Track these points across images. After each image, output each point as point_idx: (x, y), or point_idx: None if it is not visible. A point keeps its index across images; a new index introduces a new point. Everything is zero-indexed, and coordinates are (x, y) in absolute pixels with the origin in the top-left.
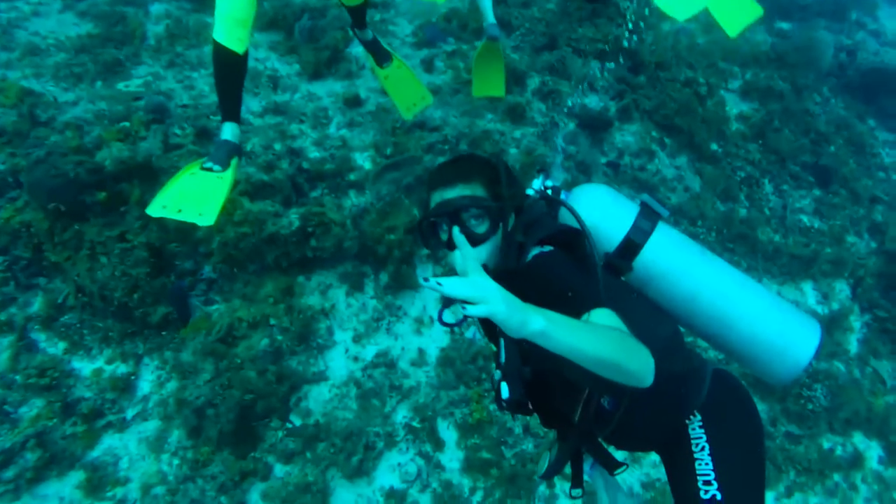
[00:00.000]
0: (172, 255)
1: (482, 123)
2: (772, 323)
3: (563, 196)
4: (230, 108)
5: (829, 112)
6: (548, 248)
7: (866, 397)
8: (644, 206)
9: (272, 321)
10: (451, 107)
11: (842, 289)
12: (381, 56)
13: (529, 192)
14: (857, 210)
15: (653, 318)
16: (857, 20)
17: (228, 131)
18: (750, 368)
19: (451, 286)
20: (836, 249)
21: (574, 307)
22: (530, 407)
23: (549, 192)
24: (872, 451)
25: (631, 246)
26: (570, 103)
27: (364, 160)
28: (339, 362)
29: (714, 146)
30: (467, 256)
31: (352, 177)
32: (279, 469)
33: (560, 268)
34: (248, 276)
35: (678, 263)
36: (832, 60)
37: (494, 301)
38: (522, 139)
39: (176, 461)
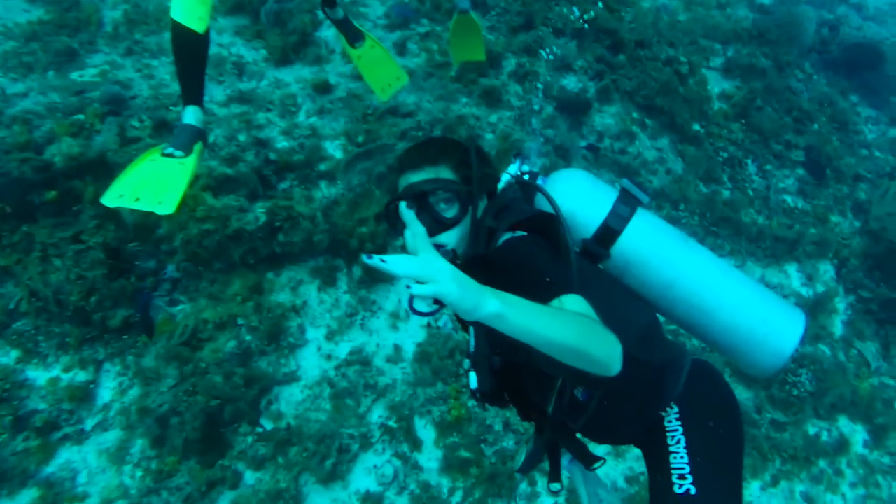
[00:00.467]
0: (132, 256)
1: (457, 108)
2: (753, 312)
3: (539, 181)
4: (192, 91)
5: (812, 89)
6: (520, 234)
7: (851, 381)
8: (623, 191)
9: (240, 321)
10: (424, 91)
11: (826, 270)
12: (352, 35)
13: (506, 176)
14: (841, 188)
15: (630, 306)
16: None
17: (191, 115)
18: (731, 359)
19: (396, 263)
20: (820, 230)
21: (543, 293)
22: (506, 398)
23: (526, 177)
24: (858, 436)
25: (608, 232)
26: (540, 86)
27: (335, 149)
28: (311, 361)
29: (696, 126)
30: (416, 234)
31: (322, 167)
32: (249, 476)
33: (530, 253)
34: (213, 274)
35: (657, 250)
36: (814, 36)
37: (444, 281)
38: (498, 123)
39: (139, 473)
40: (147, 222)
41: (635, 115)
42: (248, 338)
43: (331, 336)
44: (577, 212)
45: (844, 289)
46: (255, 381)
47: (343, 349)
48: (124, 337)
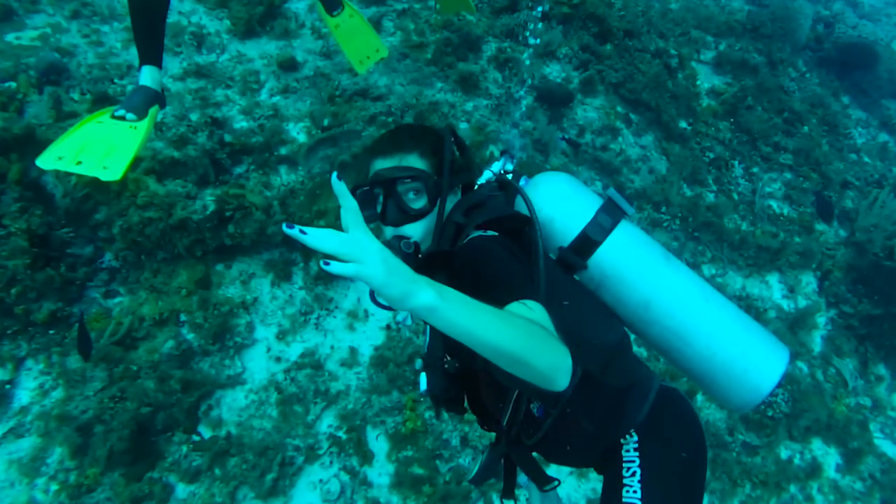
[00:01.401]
0: (64, 243)
1: (430, 93)
2: (734, 342)
3: (522, 182)
4: (149, 49)
5: (805, 88)
6: (490, 234)
7: (828, 403)
8: (609, 201)
9: (183, 317)
10: (397, 73)
11: (809, 282)
12: (330, 2)
13: (488, 173)
14: (829, 196)
15: (599, 322)
16: None
17: (147, 76)
18: (704, 389)
19: (317, 237)
20: (804, 239)
21: (499, 295)
22: (465, 405)
23: (509, 176)
24: (830, 459)
25: (587, 242)
26: (528, 80)
27: (298, 132)
28: (259, 363)
29: (683, 124)
30: (348, 209)
31: (283, 151)
32: (181, 490)
33: (494, 253)
34: (157, 264)
35: (636, 266)
36: (809, 32)
37: (370, 262)
38: (474, 112)
39: (54, 486)
40: (82, 208)
41: (620, 109)
42: (190, 336)
43: (282, 336)
44: (556, 218)
45: (826, 302)
46: (195, 386)
47: (294, 350)
48: (51, 332)
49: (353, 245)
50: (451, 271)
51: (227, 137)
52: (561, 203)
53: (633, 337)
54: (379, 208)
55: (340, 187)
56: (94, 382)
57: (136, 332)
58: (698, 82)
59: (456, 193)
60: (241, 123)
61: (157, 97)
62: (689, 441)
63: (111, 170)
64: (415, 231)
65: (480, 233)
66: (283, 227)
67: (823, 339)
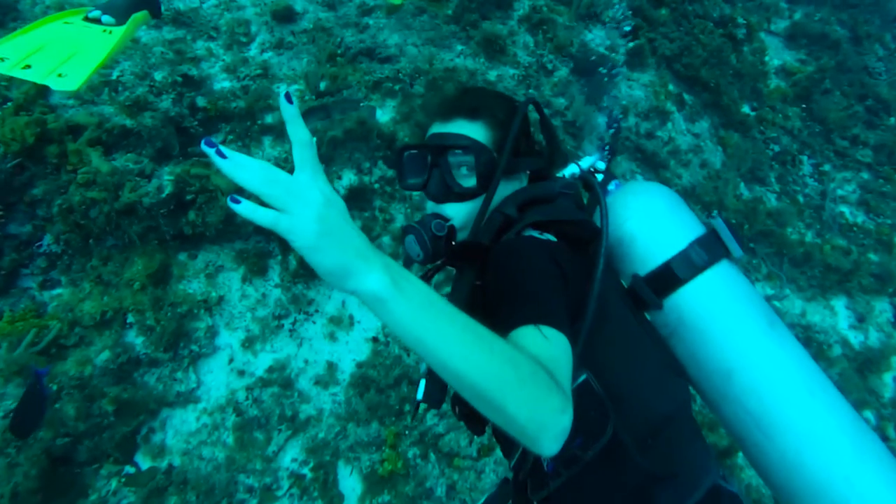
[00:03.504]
0: None
1: (448, 57)
2: (837, 461)
3: (612, 186)
4: None
5: (893, 71)
6: (546, 237)
7: None
8: (711, 232)
9: (131, 317)
10: (411, 31)
11: (883, 310)
12: None
13: (573, 168)
14: None
15: (658, 379)
16: None
17: None
18: (779, 499)
19: (239, 165)
20: (882, 257)
21: (516, 313)
22: (484, 427)
23: (600, 176)
24: None
25: (669, 276)
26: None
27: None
28: (218, 377)
29: (746, 108)
30: (298, 142)
31: (269, 118)
32: None
33: (532, 260)
34: (107, 250)
35: (726, 321)
36: None
37: (301, 215)
38: (498, 83)
39: None
40: (14, 181)
41: (672, 87)
42: (138, 341)
43: (249, 344)
44: (638, 237)
45: None
46: (133, 408)
47: (262, 363)
48: None
49: (285, 186)
50: (482, 270)
51: (201, 101)
52: (649, 221)
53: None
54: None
55: (291, 112)
56: (4, 401)
57: (64, 338)
58: (767, 58)
59: (520, 180)
60: (222, 83)
61: (148, 2)
62: None
63: (67, 78)
64: (456, 213)
65: (535, 233)
66: (202, 142)
67: None
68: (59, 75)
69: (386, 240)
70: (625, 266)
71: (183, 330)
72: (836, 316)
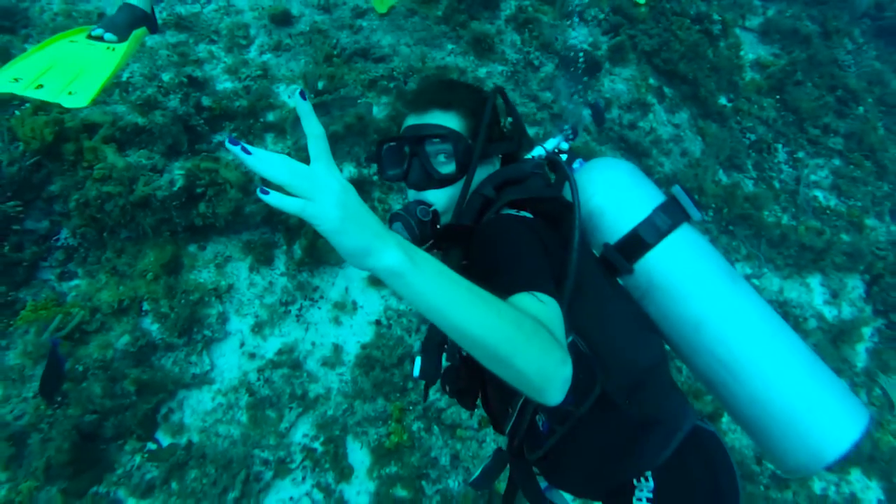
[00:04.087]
0: (8, 219)
1: (439, 56)
2: (798, 391)
3: (576, 164)
4: None
5: (861, 63)
6: (523, 214)
7: (871, 430)
8: (671, 199)
9: (146, 305)
10: (404, 32)
11: (855, 286)
12: None
13: (539, 150)
14: (881, 186)
15: (634, 337)
16: None
17: None
18: (753, 439)
19: (265, 160)
20: (853, 237)
21: (510, 283)
22: (475, 402)
23: (564, 156)
24: (871, 494)
25: (637, 242)
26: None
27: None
28: (230, 360)
29: (723, 100)
30: (313, 135)
31: (271, 117)
32: None
33: (516, 234)
34: (121, 242)
35: (691, 279)
36: None
37: (324, 201)
38: (487, 80)
39: None
40: (33, 179)
41: (652, 81)
42: (154, 327)
43: (258, 329)
44: (606, 210)
45: (873, 310)
46: (153, 388)
47: (271, 346)
48: None
49: (306, 177)
50: (467, 249)
51: (206, 101)
52: (615, 194)
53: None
54: (405, 167)
55: (305, 108)
56: (34, 382)
57: (86, 324)
58: (742, 53)
59: (493, 164)
60: (224, 84)
61: (146, 18)
62: (719, 500)
63: (78, 96)
64: (438, 198)
65: (512, 212)
66: (226, 142)
67: (868, 352)
68: (70, 93)
69: None
70: (595, 237)
71: (196, 316)
72: (812, 292)
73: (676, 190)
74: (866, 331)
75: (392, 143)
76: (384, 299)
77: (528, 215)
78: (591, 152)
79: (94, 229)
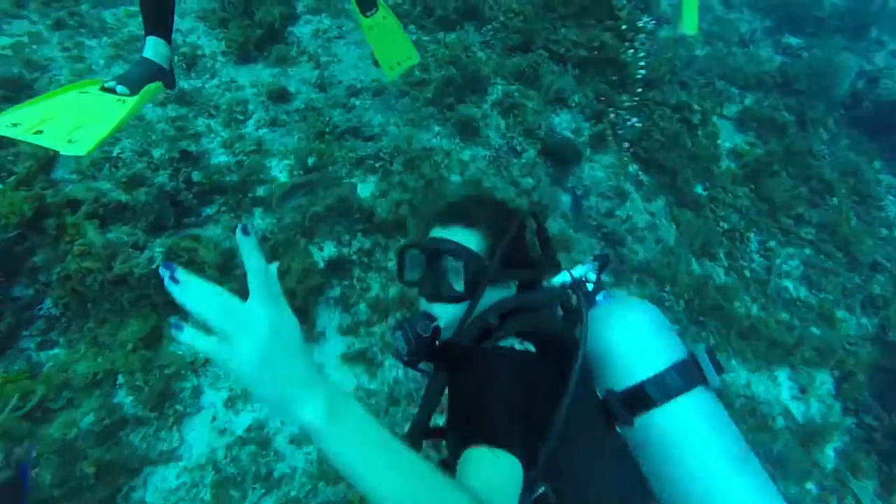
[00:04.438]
0: None
1: (426, 137)
2: None
3: (600, 297)
4: (156, 18)
5: (836, 153)
6: (526, 347)
7: None
8: (691, 359)
9: (121, 378)
10: (394, 112)
11: (824, 381)
12: (365, 3)
13: (565, 276)
14: (853, 278)
15: (619, 499)
16: (876, 38)
17: (151, 48)
18: None
19: (191, 291)
20: (824, 331)
21: (473, 432)
22: None
23: (590, 286)
24: None
25: (642, 397)
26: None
27: (281, 170)
28: (200, 435)
29: (699, 189)
30: (253, 270)
31: (261, 191)
32: None
33: (499, 381)
34: (104, 313)
35: (693, 451)
36: (848, 89)
37: (242, 347)
38: (470, 163)
39: None
40: (14, 250)
41: (631, 168)
42: (127, 400)
43: (231, 403)
44: (619, 353)
45: (843, 408)
46: (114, 471)
47: (242, 421)
48: None
49: (231, 316)
50: (458, 372)
51: (196, 176)
52: (630, 339)
53: None
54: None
55: (247, 244)
56: None
57: (50, 401)
58: (719, 141)
59: (509, 287)
60: (219, 158)
61: (162, 73)
62: None
63: (77, 144)
64: (444, 313)
65: (515, 342)
66: (160, 267)
67: (837, 452)
68: (69, 141)
69: (362, 307)
70: (603, 378)
71: (169, 390)
72: (780, 387)
73: (699, 349)
74: (835, 432)
75: (413, 251)
76: (356, 377)
77: (531, 347)
78: (567, 240)
79: (76, 301)
